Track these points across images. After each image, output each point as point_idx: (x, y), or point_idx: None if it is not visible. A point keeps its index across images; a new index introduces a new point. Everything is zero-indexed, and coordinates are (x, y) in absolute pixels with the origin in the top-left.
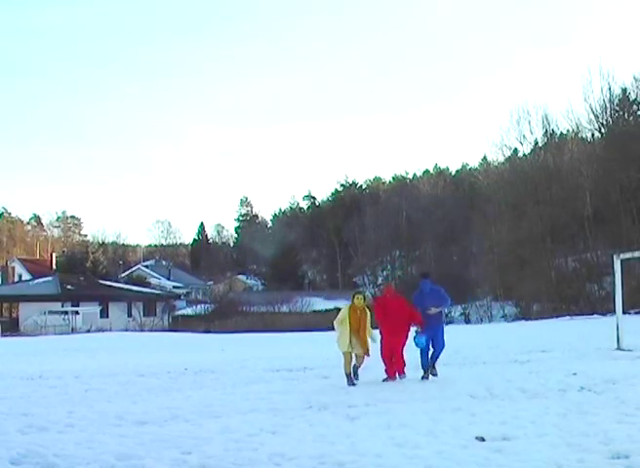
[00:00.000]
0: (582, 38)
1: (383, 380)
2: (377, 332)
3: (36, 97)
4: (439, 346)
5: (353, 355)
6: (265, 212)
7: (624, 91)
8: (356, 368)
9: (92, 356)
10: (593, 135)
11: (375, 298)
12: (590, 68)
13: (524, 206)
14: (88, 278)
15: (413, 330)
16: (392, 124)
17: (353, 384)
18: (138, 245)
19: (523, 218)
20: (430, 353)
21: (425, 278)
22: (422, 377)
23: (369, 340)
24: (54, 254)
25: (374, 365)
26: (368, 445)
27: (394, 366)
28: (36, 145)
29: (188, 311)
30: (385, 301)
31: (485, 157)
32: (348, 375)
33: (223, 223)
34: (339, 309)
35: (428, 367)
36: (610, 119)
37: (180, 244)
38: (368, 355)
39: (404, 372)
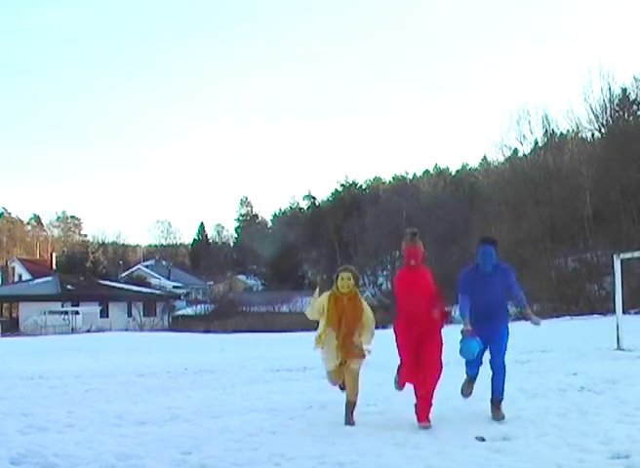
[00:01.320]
0: (582, 38)
1: (396, 386)
2: (382, 336)
3: (36, 98)
4: (499, 362)
5: (347, 369)
6: (265, 212)
7: (624, 91)
8: (348, 407)
9: (92, 356)
10: (593, 135)
11: (399, 269)
12: (590, 68)
13: (524, 206)
14: (88, 278)
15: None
16: (392, 124)
17: (352, 424)
18: (138, 245)
19: (523, 218)
20: (490, 374)
21: (489, 244)
22: (493, 416)
23: (366, 352)
24: (54, 254)
25: (375, 363)
26: (368, 445)
27: (414, 379)
28: (36, 145)
29: (188, 311)
30: (409, 273)
31: (485, 157)
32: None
33: (223, 223)
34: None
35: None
36: (610, 119)
37: (180, 244)
38: (364, 356)
39: (428, 420)
